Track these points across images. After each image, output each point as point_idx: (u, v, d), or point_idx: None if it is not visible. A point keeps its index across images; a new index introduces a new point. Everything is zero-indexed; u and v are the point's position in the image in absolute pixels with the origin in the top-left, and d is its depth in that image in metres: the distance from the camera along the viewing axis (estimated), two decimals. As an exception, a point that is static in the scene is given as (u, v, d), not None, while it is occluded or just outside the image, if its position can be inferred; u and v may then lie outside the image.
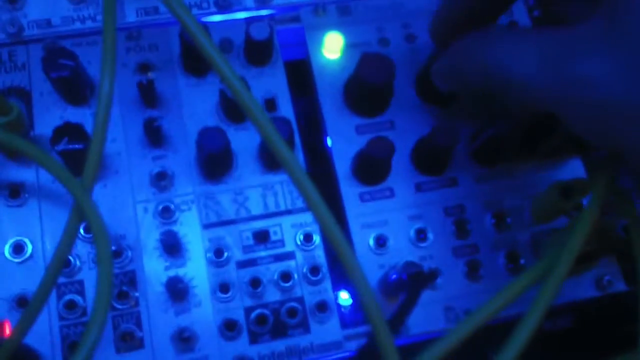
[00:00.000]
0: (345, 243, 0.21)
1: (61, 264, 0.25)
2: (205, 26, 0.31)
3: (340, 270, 0.30)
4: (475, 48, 0.26)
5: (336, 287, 0.30)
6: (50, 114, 0.32)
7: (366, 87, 0.31)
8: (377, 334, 0.21)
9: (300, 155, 0.32)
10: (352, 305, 0.31)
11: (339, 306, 0.30)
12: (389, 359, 0.21)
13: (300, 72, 0.35)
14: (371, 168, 0.31)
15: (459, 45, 0.27)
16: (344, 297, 0.31)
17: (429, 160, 0.32)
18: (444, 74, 0.29)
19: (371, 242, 0.31)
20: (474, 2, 0.27)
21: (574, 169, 0.33)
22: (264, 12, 0.35)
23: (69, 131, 0.28)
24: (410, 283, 0.26)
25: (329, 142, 0.33)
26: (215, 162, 0.30)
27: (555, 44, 0.22)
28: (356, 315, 0.31)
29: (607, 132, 0.21)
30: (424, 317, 0.30)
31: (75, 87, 0.31)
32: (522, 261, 0.31)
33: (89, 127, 0.28)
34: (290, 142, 0.31)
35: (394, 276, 0.28)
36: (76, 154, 0.28)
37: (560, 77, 0.21)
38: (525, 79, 0.23)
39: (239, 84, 0.23)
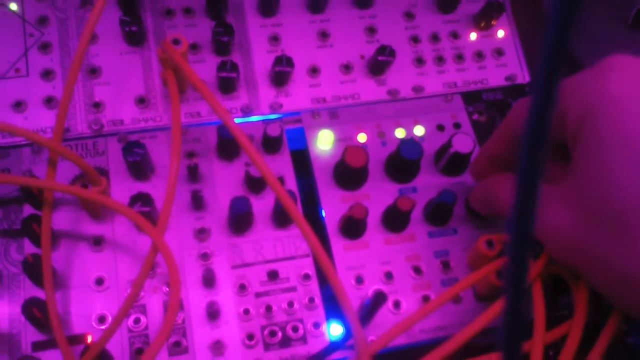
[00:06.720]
0: (331, 265, 0.33)
1: (139, 289, 0.37)
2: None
3: (329, 301, 0.41)
4: (493, 191, 0.39)
5: (328, 314, 0.42)
6: (122, 186, 0.44)
7: (349, 170, 0.44)
8: (352, 324, 0.32)
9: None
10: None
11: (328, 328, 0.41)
12: (359, 340, 0.32)
13: (303, 159, 0.48)
14: (352, 226, 0.43)
15: (485, 186, 0.40)
16: (334, 331, 0.42)
17: (394, 221, 0.44)
18: (476, 201, 0.42)
19: (352, 280, 0.42)
20: (501, 152, 0.40)
21: (502, 227, 0.46)
22: (276, 116, 0.49)
23: (141, 198, 0.41)
24: (374, 296, 0.37)
25: (323, 213, 0.45)
26: (241, 221, 0.42)
27: None
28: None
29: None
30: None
31: (142, 168, 0.44)
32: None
33: (153, 196, 0.41)
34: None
35: (367, 302, 0.39)
36: (145, 214, 0.40)
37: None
38: None
39: (265, 165, 0.36)
